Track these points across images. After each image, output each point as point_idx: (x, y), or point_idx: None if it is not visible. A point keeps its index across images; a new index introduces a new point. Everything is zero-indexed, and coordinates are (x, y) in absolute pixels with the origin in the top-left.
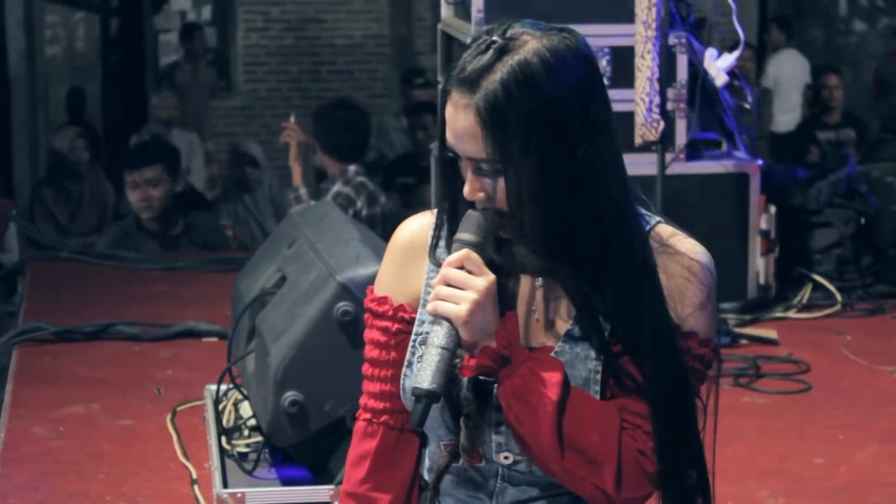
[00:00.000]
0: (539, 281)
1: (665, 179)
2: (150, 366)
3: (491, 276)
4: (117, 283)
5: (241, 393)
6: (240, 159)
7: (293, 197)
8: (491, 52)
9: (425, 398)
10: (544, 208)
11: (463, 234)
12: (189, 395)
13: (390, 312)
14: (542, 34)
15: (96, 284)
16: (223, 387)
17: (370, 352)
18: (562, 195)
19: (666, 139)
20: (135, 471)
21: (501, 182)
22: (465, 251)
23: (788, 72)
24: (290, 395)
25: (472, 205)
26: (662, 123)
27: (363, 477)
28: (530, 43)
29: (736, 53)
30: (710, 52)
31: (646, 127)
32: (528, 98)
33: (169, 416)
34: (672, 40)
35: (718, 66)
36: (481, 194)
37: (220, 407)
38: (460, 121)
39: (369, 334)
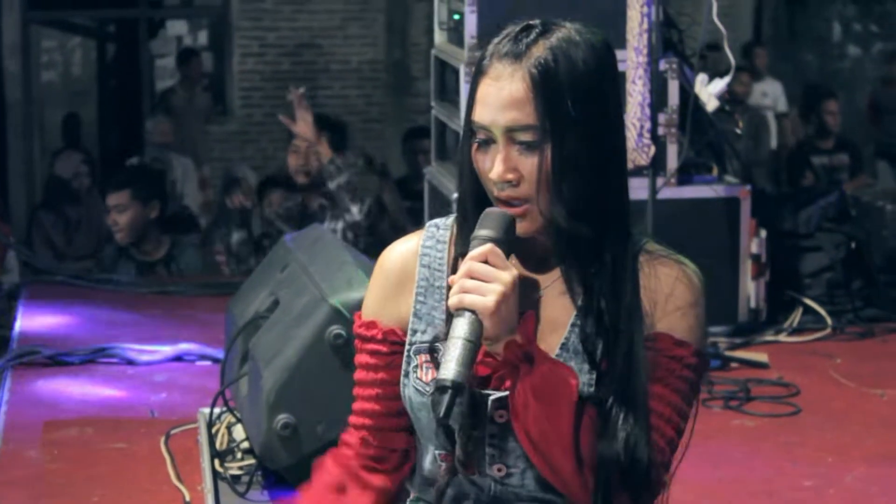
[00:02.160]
0: (539, 288)
1: (656, 204)
2: (143, 389)
3: (514, 271)
4: (112, 307)
5: (234, 416)
6: (231, 185)
7: (333, 168)
8: (534, 32)
9: (451, 389)
10: (583, 177)
11: (483, 231)
12: (182, 419)
13: (379, 336)
14: (572, 24)
15: (91, 308)
16: (216, 410)
17: (358, 374)
18: (598, 166)
19: (657, 164)
20: (128, 493)
21: (535, 159)
22: (489, 245)
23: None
24: (282, 418)
25: (487, 203)
26: (653, 148)
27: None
28: (568, 27)
29: (727, 79)
30: (702, 78)
31: (637, 152)
32: (575, 67)
33: (162, 439)
34: (663, 65)
35: (710, 91)
36: (510, 175)
37: (214, 430)
38: (505, 89)
39: (358, 358)
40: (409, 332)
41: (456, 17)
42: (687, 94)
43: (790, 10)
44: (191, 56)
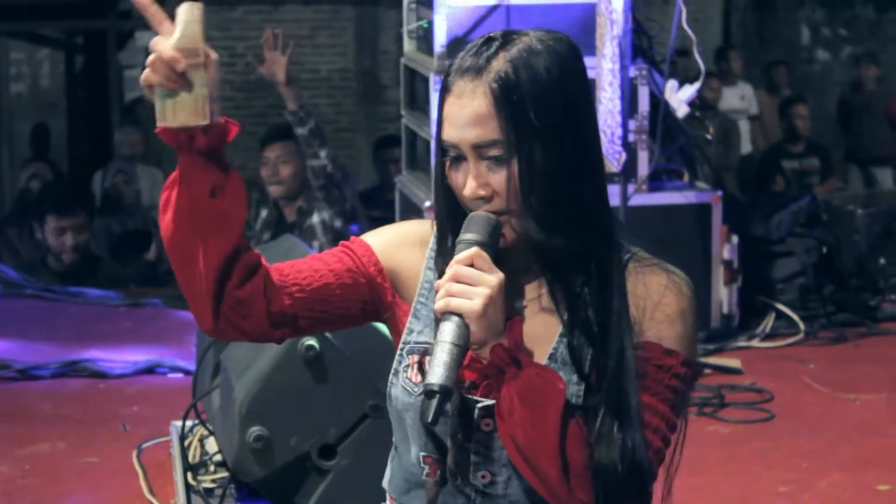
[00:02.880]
0: (523, 301)
1: (627, 210)
2: (115, 402)
3: (500, 274)
4: (83, 320)
5: (207, 428)
6: None
7: (303, 114)
8: (494, 45)
9: (439, 393)
10: (554, 187)
11: (468, 234)
12: (155, 432)
13: (363, 258)
14: (535, 32)
15: (62, 321)
16: (189, 423)
17: (316, 255)
18: (568, 175)
19: (628, 170)
20: None
21: (505, 174)
22: (475, 249)
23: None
24: (255, 431)
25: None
26: (624, 155)
27: None
28: (530, 36)
29: (697, 85)
30: (672, 84)
31: (608, 159)
32: (537, 77)
33: (135, 453)
34: (633, 72)
35: (680, 97)
36: (482, 191)
37: (186, 443)
38: (468, 106)
39: (328, 250)
40: (405, 331)
41: (425, 25)
42: (657, 100)
43: (759, 16)
44: None
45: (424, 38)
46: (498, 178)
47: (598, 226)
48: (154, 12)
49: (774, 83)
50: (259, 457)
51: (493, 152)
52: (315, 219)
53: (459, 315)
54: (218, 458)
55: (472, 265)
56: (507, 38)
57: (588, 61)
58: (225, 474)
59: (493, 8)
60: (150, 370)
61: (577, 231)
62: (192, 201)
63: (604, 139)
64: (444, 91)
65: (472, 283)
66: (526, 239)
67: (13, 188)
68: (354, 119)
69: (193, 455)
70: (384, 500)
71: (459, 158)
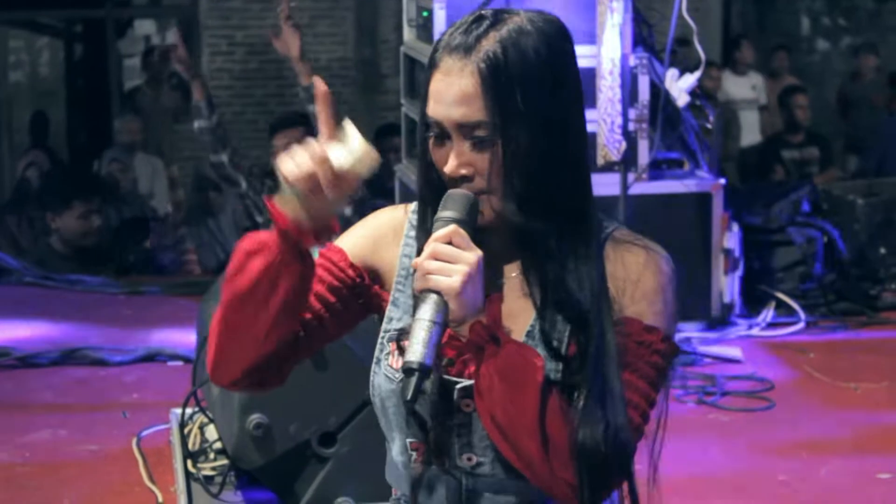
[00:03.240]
0: (502, 280)
1: (628, 199)
2: (115, 390)
3: (479, 251)
4: (82, 308)
5: (207, 416)
6: (203, 183)
7: (306, 96)
8: (485, 23)
9: (417, 371)
10: (537, 170)
11: (446, 212)
12: (154, 419)
13: (340, 263)
14: (526, 12)
15: (61, 309)
16: (188, 410)
17: None
18: (552, 158)
19: (628, 159)
20: (101, 495)
21: (488, 154)
22: (452, 226)
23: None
24: (254, 418)
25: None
26: (624, 144)
27: None
28: (521, 16)
29: (697, 73)
30: (672, 73)
31: (608, 147)
32: (526, 58)
33: (134, 440)
34: (633, 61)
35: (680, 86)
36: (464, 170)
37: (186, 430)
38: (455, 85)
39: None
40: (384, 320)
41: (425, 14)
42: (657, 89)
43: (759, 5)
44: (157, 54)
45: (424, 26)
46: (481, 158)
47: (578, 210)
48: (330, 115)
49: (775, 68)
50: (259, 444)
51: (478, 132)
52: None
53: (438, 292)
54: (218, 445)
55: (450, 242)
56: (498, 16)
57: (588, 50)
58: (225, 462)
59: None
60: (149, 358)
61: (557, 214)
62: (276, 285)
63: (604, 128)
64: (432, 66)
65: (450, 261)
66: (505, 219)
67: (13, 176)
68: (354, 108)
69: (193, 443)
70: (391, 493)
71: (443, 135)
